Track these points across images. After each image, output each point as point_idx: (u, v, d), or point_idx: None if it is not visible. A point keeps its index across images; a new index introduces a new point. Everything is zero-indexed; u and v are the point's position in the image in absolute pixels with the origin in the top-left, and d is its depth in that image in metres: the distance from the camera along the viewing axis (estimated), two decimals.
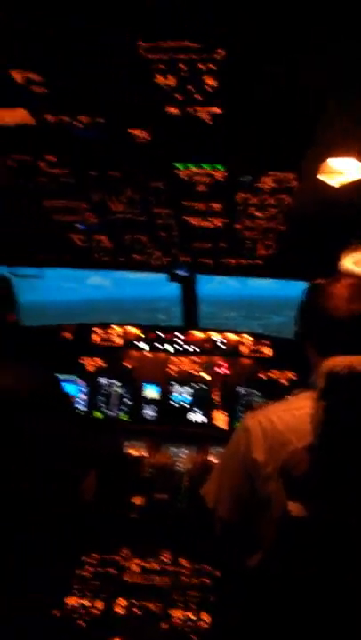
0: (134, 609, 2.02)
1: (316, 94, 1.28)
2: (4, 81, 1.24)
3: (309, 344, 1.83)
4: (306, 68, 1.17)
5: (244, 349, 3.71)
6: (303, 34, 1.05)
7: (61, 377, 3.65)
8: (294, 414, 1.70)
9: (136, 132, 1.52)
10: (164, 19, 1.02)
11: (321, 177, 2.05)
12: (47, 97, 1.32)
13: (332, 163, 1.92)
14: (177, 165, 1.75)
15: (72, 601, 2.03)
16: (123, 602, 2.05)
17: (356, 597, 1.41)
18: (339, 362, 1.33)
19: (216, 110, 1.36)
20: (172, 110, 1.36)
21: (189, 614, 2.02)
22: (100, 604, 2.02)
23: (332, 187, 2.05)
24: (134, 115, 1.42)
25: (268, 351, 3.70)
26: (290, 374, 3.64)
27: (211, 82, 1.22)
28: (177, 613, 2.02)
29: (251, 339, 3.72)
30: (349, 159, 1.86)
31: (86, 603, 2.02)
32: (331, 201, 2.34)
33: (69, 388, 3.65)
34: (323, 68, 1.17)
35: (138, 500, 2.69)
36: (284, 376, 3.67)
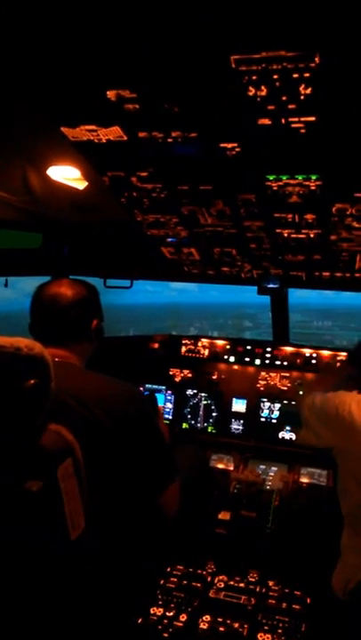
0: (219, 627, 1.99)
1: None
2: (100, 100, 1.30)
3: None
4: None
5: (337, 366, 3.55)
6: None
7: (150, 387, 3.76)
8: None
9: (228, 145, 1.52)
10: (256, 28, 1.01)
11: None
12: (140, 114, 1.36)
13: None
14: (269, 177, 1.73)
15: (157, 611, 2.04)
16: (207, 617, 2.03)
17: None
18: None
19: (310, 119, 1.32)
20: (265, 121, 1.35)
21: (276, 639, 1.94)
22: (183, 617, 2.01)
23: None
24: (226, 128, 1.43)
25: None
26: None
27: (305, 90, 1.19)
28: (263, 637, 1.95)
29: (346, 355, 3.55)
30: None
31: (170, 614, 2.02)
32: None
33: (157, 397, 3.72)
34: None
35: (225, 516, 2.66)
36: None
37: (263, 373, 3.67)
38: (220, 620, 2.02)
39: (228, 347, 3.75)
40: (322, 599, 2.03)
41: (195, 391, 3.69)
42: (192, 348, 3.82)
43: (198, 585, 2.23)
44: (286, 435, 3.50)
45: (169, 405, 3.73)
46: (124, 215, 2.25)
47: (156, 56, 1.14)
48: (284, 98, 1.24)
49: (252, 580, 2.28)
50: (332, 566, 1.90)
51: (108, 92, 1.29)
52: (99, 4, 0.98)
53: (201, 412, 3.66)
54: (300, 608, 2.09)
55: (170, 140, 1.52)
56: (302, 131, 1.38)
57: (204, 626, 1.99)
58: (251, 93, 1.23)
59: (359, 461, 1.71)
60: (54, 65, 1.18)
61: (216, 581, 2.26)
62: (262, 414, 3.58)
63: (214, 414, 3.63)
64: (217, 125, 1.43)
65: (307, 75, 1.14)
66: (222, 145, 1.54)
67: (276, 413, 3.56)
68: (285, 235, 2.24)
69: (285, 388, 3.61)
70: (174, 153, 1.63)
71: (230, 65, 1.14)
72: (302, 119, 1.32)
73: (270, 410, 3.58)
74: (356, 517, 1.67)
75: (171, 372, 3.80)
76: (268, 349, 3.68)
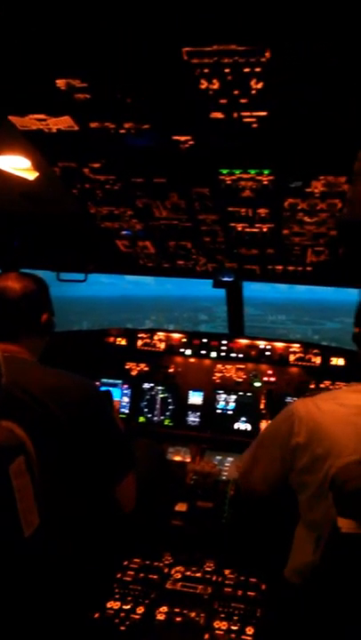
0: (175, 617, 2.00)
1: None
2: (49, 89, 1.27)
3: None
4: (357, 69, 1.13)
5: (292, 358, 3.64)
6: (352, 32, 1.02)
7: (107, 381, 3.73)
8: (342, 403, 1.70)
9: (181, 137, 1.52)
10: (207, 22, 1.01)
11: None
12: (91, 104, 1.34)
13: None
14: (222, 171, 1.74)
15: (113, 605, 2.04)
16: (164, 609, 2.04)
17: None
18: None
19: (262, 114, 1.34)
20: (218, 115, 1.35)
21: (232, 626, 1.98)
22: (140, 610, 2.02)
23: None
24: (179, 120, 1.42)
25: (317, 360, 3.61)
26: (341, 384, 3.52)
27: (256, 85, 1.20)
28: (219, 624, 1.99)
29: (299, 347, 3.64)
30: None
31: (127, 607, 2.02)
32: None
33: (114, 392, 3.69)
34: None
35: (181, 507, 2.68)
36: (335, 386, 3.56)
37: (219, 366, 3.72)
38: (176, 610, 2.04)
39: (184, 340, 3.77)
40: (276, 585, 2.08)
41: (151, 385, 3.69)
42: (148, 341, 3.81)
43: (155, 577, 2.24)
44: (242, 425, 3.55)
45: (125, 399, 3.71)
46: (77, 207, 2.20)
47: (108, 46, 1.12)
48: (236, 92, 1.25)
49: (209, 569, 2.31)
50: (286, 552, 1.95)
51: (57, 81, 1.26)
52: None
53: (158, 406, 3.66)
54: (255, 594, 2.14)
55: (122, 131, 1.50)
56: (254, 125, 1.40)
57: (160, 617, 2.00)
58: (203, 86, 1.23)
59: (318, 458, 1.72)
60: (0, 52, 1.14)
61: (173, 573, 2.27)
62: (218, 406, 3.62)
63: (171, 407, 3.64)
64: (170, 118, 1.43)
65: (258, 69, 1.15)
66: (175, 137, 1.54)
67: (232, 405, 3.61)
68: (239, 228, 2.26)
69: (241, 380, 3.67)
70: (127, 144, 1.62)
71: (182, 57, 1.14)
72: (254, 114, 1.34)
73: (226, 401, 3.62)
74: (311, 508, 1.72)
75: (127, 366, 3.78)
76: (224, 342, 3.72)
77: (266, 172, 1.72)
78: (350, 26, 1.00)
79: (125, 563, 2.33)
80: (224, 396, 3.63)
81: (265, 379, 3.64)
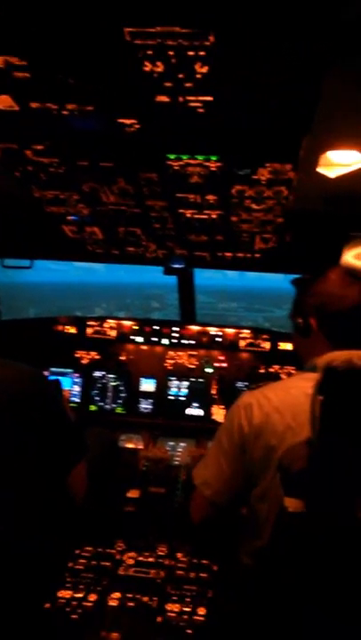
0: (128, 602, 2.01)
1: (315, 84, 1.25)
2: None
3: (313, 335, 1.86)
4: (303, 56, 1.14)
5: (243, 344, 3.70)
6: (301, 19, 1.02)
7: (56, 370, 3.67)
8: (291, 393, 1.74)
9: (126, 121, 1.48)
10: (150, 2, 0.99)
11: (320, 169, 2.02)
12: (31, 83, 1.29)
13: (332, 155, 1.89)
14: (169, 156, 1.72)
15: (65, 594, 2.02)
16: (116, 595, 2.05)
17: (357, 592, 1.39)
18: (337, 356, 1.30)
19: (208, 99, 1.33)
20: (163, 99, 1.33)
21: (185, 608, 2.01)
22: (93, 597, 2.01)
23: (332, 179, 2.02)
24: (123, 103, 1.39)
25: (267, 345, 3.69)
26: (290, 368, 3.62)
27: (201, 69, 1.18)
28: (172, 607, 2.01)
29: (249, 333, 3.70)
30: (349, 151, 1.83)
31: (79, 596, 2.01)
32: (330, 194, 2.31)
33: (64, 381, 3.63)
34: (321, 56, 1.14)
35: (134, 494, 2.68)
36: (284, 370, 3.65)
37: (171, 352, 3.73)
38: (129, 596, 2.04)
39: (135, 327, 3.76)
40: (228, 566, 2.13)
41: (103, 373, 3.66)
42: (99, 329, 3.77)
43: (108, 564, 2.24)
44: (194, 411, 3.59)
45: (76, 388, 3.66)
46: (20, 191, 2.13)
47: (47, 24, 1.07)
48: (180, 76, 1.23)
49: (162, 553, 2.33)
50: (237, 534, 1.99)
51: None
52: None
53: (109, 394, 3.64)
54: (207, 576, 2.18)
55: (65, 112, 1.45)
56: (200, 110, 1.38)
57: (113, 603, 2.00)
58: (147, 69, 1.21)
59: (271, 448, 1.74)
60: None
61: (126, 559, 2.28)
62: (171, 392, 3.64)
63: (123, 395, 3.63)
64: (114, 100, 1.39)
65: (202, 53, 1.13)
66: (121, 121, 1.50)
67: (185, 391, 3.64)
68: (188, 215, 2.26)
69: (193, 366, 3.71)
70: (71, 126, 1.57)
71: (124, 37, 1.10)
72: (200, 98, 1.32)
73: (178, 388, 3.65)
74: (264, 496, 1.75)
75: (77, 355, 3.73)
76: (176, 329, 3.74)
77: (213, 158, 1.71)
78: (293, 13, 1.00)
79: (77, 551, 2.32)
80: (176, 382, 3.66)
81: (216, 364, 3.69)
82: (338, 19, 1.02)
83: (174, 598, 2.06)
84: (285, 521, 1.40)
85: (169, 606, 2.01)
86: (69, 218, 2.42)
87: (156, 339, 3.73)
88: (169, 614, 1.97)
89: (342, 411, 1.28)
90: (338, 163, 1.88)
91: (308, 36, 1.07)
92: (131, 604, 2.01)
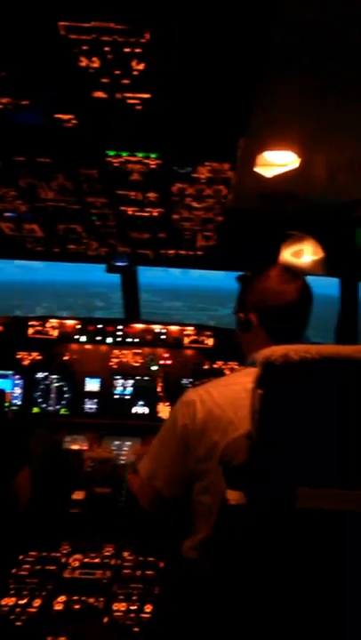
0: (74, 605, 1.99)
1: (250, 86, 1.27)
2: None
3: (254, 329, 1.91)
4: (239, 59, 1.16)
5: (187, 341, 3.73)
6: (236, 21, 1.04)
7: None
8: (232, 389, 1.77)
9: (64, 116, 1.46)
10: None
11: (257, 169, 2.07)
12: None
13: (268, 155, 1.95)
14: (109, 153, 1.70)
15: (8, 601, 1.97)
16: (62, 598, 2.02)
17: (298, 590, 1.44)
18: (275, 350, 1.34)
19: (145, 96, 1.33)
20: (100, 95, 1.32)
21: (131, 606, 2.01)
22: (37, 603, 1.97)
23: (269, 179, 2.08)
24: (60, 98, 1.36)
25: (210, 342, 3.74)
26: (233, 364, 3.69)
27: (137, 66, 1.18)
28: (118, 606, 2.01)
29: (193, 330, 3.74)
30: (285, 152, 1.89)
31: (23, 602, 1.96)
32: (267, 193, 2.37)
33: (4, 383, 3.52)
34: (256, 58, 1.16)
35: (78, 495, 2.65)
36: (227, 366, 3.72)
37: (116, 351, 3.71)
38: (75, 598, 2.02)
39: (78, 326, 3.70)
40: (173, 562, 2.14)
41: (45, 374, 3.58)
42: (40, 329, 3.68)
43: (53, 568, 2.20)
44: (140, 409, 3.59)
45: (18, 390, 3.56)
46: None
47: None
48: (117, 72, 1.22)
49: (108, 554, 2.32)
50: (183, 529, 2.01)
51: None
52: None
53: (53, 395, 3.56)
54: (153, 573, 2.19)
55: (0, 106, 1.41)
56: (138, 107, 1.38)
57: (59, 607, 1.97)
58: (83, 64, 1.19)
59: (215, 444, 1.75)
60: None
61: (71, 561, 2.25)
62: (116, 391, 3.62)
63: (67, 396, 3.57)
64: (50, 95, 1.36)
65: (138, 50, 1.13)
66: (58, 116, 1.47)
67: (130, 389, 3.62)
68: (130, 212, 2.25)
69: (138, 364, 3.70)
70: (8, 120, 1.52)
71: (59, 31, 1.08)
72: (137, 95, 1.32)
73: (124, 386, 3.63)
74: (207, 491, 1.77)
75: (18, 356, 3.62)
76: (120, 327, 3.71)
77: (153, 155, 1.72)
78: (229, 15, 1.02)
79: (21, 557, 2.26)
80: (121, 381, 3.63)
81: (161, 362, 3.70)
82: (273, 22, 1.05)
83: (121, 597, 2.05)
84: (227, 513, 1.42)
85: (115, 606, 2.01)
86: (6, 215, 2.35)
87: (99, 338, 3.69)
88: (116, 614, 1.97)
89: (281, 404, 1.32)
90: (274, 163, 1.95)
91: (243, 39, 1.09)
92: (77, 606, 1.99)
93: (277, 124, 1.62)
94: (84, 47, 1.13)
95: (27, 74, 1.26)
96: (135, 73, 1.21)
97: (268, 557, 1.42)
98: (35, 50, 1.16)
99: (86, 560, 2.27)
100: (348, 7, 1.13)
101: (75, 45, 1.12)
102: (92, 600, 2.02)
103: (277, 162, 1.98)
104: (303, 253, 2.73)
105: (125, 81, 1.25)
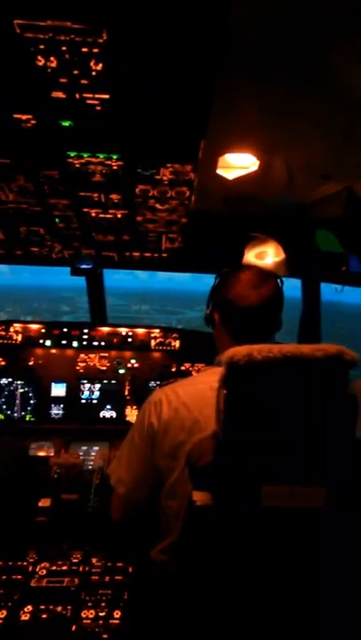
0: (41, 614, 1.95)
1: (207, 88, 1.29)
2: None
3: (218, 328, 1.92)
4: (195, 60, 1.17)
5: (153, 343, 3.72)
6: (191, 22, 1.05)
7: None
8: (198, 388, 1.78)
9: (22, 116, 1.44)
10: None
11: (219, 171, 2.09)
12: None
13: (229, 157, 1.97)
14: (70, 154, 1.69)
15: None
16: (29, 608, 1.97)
17: (261, 589, 1.45)
18: (238, 351, 1.35)
19: (105, 96, 1.32)
20: (59, 94, 1.30)
21: (100, 613, 1.98)
22: (3, 613, 1.92)
23: (230, 181, 2.10)
24: (18, 98, 1.34)
25: (177, 344, 3.74)
26: (200, 366, 3.70)
27: (96, 66, 1.18)
28: (87, 614, 1.98)
29: (159, 332, 3.74)
30: (245, 154, 1.91)
31: None
32: (230, 195, 2.40)
33: None
34: (212, 60, 1.17)
35: (45, 503, 2.60)
36: (194, 368, 3.73)
37: (82, 355, 3.66)
38: (42, 607, 1.98)
39: (43, 330, 3.64)
40: (142, 566, 2.13)
41: (9, 379, 3.50)
42: (3, 333, 3.60)
43: (19, 577, 2.15)
44: (107, 413, 3.56)
45: None
46: None
47: None
48: (75, 72, 1.21)
49: (76, 560, 2.28)
50: (151, 532, 2.00)
51: None
52: None
53: (17, 401, 3.49)
54: (122, 578, 2.17)
55: None
56: (98, 108, 1.38)
57: (25, 617, 1.93)
58: (40, 63, 1.18)
59: (180, 443, 1.75)
60: None
61: (38, 570, 2.20)
62: (83, 396, 3.57)
63: (32, 401, 3.50)
64: (7, 94, 1.34)
65: (96, 50, 1.13)
66: (17, 116, 1.45)
67: (97, 394, 3.59)
68: (93, 214, 2.23)
69: (105, 368, 3.66)
70: None
71: (15, 30, 1.07)
72: (97, 96, 1.31)
73: (91, 391, 3.59)
74: (173, 490, 1.77)
75: None
76: (86, 331, 3.68)
77: (115, 156, 1.71)
78: (185, 9, 1.02)
79: None
80: (88, 385, 3.59)
81: (129, 365, 3.68)
82: (227, 24, 1.06)
83: (89, 604, 2.02)
84: (194, 514, 1.43)
85: (84, 613, 1.98)
86: None
87: (65, 342, 3.64)
88: (84, 621, 1.94)
89: (245, 403, 1.33)
90: (235, 165, 1.97)
91: (198, 40, 1.10)
92: (44, 615, 1.95)
93: (237, 126, 1.64)
94: (41, 46, 1.11)
95: None
96: (93, 73, 1.21)
97: (236, 556, 1.43)
98: None
99: (54, 568, 2.23)
100: (301, 17, 1.15)
101: (31, 44, 1.11)
102: (59, 608, 1.99)
103: (238, 164, 2.00)
104: (266, 255, 2.77)
105: (84, 81, 1.24)
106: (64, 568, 2.23)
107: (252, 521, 1.37)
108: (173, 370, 3.71)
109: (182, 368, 3.73)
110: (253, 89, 1.41)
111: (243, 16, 1.09)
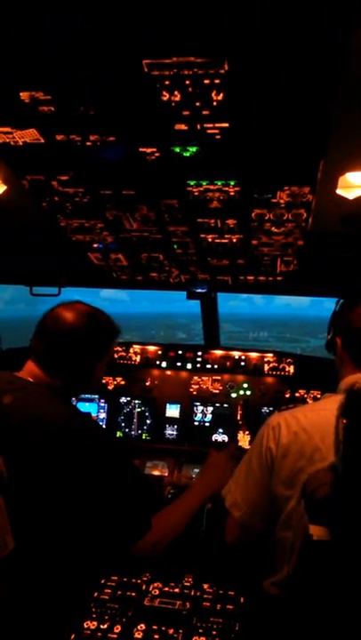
0: (154, 634, 1.96)
1: (329, 106, 1.27)
2: (13, 101, 1.27)
3: (340, 354, 1.85)
4: (314, 81, 1.16)
5: (267, 368, 3.66)
6: (309, 46, 1.05)
7: (84, 396, 3.68)
8: (320, 414, 1.71)
9: (147, 149, 1.53)
10: (166, 34, 1.03)
11: (338, 191, 2.03)
12: (56, 117, 1.35)
13: (350, 177, 1.90)
14: (189, 182, 1.76)
15: (90, 625, 1.99)
16: (142, 626, 2.00)
17: None
18: (359, 378, 1.28)
19: (224, 125, 1.36)
20: (181, 127, 1.37)
21: None
22: (117, 629, 1.97)
23: (350, 200, 2.02)
24: (144, 132, 1.44)
25: (291, 369, 3.64)
26: (316, 393, 3.55)
27: (217, 96, 1.22)
28: None
29: (273, 356, 3.67)
30: None
31: (105, 627, 1.97)
32: (349, 215, 2.31)
33: (90, 407, 3.65)
34: (331, 79, 1.16)
35: None
36: (310, 395, 3.59)
37: (195, 377, 3.72)
38: (154, 627, 1.99)
39: (159, 352, 3.76)
40: (255, 597, 2.06)
41: (128, 398, 3.66)
42: (123, 354, 3.79)
43: (133, 594, 2.20)
44: (219, 437, 3.55)
45: (102, 414, 3.67)
46: (47, 220, 2.20)
47: (67, 58, 1.13)
48: (197, 103, 1.27)
49: (187, 584, 2.28)
50: (264, 564, 1.94)
51: (21, 94, 1.27)
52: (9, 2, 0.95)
53: (135, 420, 3.63)
54: (233, 608, 2.11)
55: (88, 143, 1.51)
56: (218, 137, 1.42)
57: (138, 635, 1.95)
58: (165, 98, 1.25)
59: (299, 470, 1.71)
60: None
61: (151, 589, 2.23)
62: (196, 418, 3.61)
63: (148, 421, 3.62)
64: (134, 130, 1.44)
65: (217, 81, 1.17)
66: (142, 149, 1.55)
67: (209, 416, 3.60)
68: (209, 239, 2.28)
69: (217, 391, 3.67)
70: (95, 156, 1.62)
71: (143, 69, 1.15)
72: (217, 125, 1.36)
73: (203, 413, 3.62)
74: (289, 519, 1.71)
75: (103, 380, 3.75)
76: (199, 353, 3.73)
77: (232, 183, 1.75)
78: (304, 37, 1.03)
79: (103, 581, 2.28)
80: (201, 407, 3.63)
81: (240, 390, 3.66)
82: (347, 45, 1.04)
83: (200, 631, 2.00)
84: (310, 549, 1.36)
85: (195, 639, 1.95)
86: (95, 245, 2.48)
87: (180, 363, 3.73)
88: None
89: None
90: (356, 184, 1.89)
91: (318, 59, 1.09)
92: (156, 636, 1.96)
93: (358, 144, 1.58)
94: (167, 82, 1.19)
95: (113, 111, 1.35)
96: (215, 103, 1.25)
97: (355, 597, 1.32)
98: (121, 88, 1.24)
99: (166, 589, 2.24)
100: None
101: (157, 81, 1.19)
102: (171, 631, 1.99)
103: (360, 183, 1.92)
104: None
105: (205, 112, 1.29)
106: (176, 590, 2.23)
107: None
108: (287, 396, 3.60)
109: (296, 395, 3.61)
110: None
111: None
